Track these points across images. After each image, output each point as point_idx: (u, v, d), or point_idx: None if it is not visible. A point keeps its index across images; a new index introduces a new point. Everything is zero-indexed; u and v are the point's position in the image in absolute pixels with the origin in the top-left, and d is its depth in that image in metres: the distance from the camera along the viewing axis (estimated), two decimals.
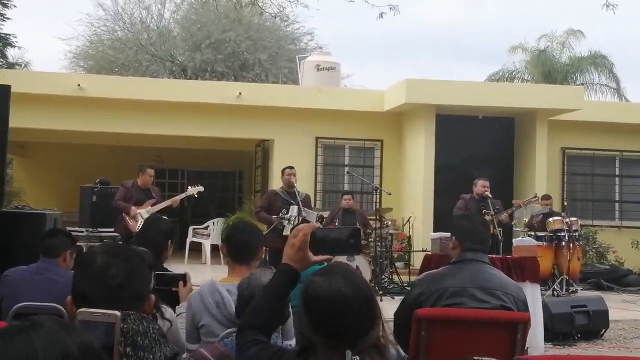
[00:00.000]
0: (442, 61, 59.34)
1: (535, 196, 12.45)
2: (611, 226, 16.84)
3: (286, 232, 10.07)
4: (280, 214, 10.71)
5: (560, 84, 25.20)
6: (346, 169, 16.51)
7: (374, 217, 12.64)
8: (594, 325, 9.46)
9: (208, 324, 3.83)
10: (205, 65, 25.81)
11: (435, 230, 12.51)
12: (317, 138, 16.65)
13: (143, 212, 10.70)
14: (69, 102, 15.78)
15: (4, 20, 27.49)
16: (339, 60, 19.10)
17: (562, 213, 13.19)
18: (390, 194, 13.71)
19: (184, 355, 2.82)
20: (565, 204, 15.08)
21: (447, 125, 15.74)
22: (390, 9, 11.14)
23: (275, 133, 16.63)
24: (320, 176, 16.76)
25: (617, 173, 17.53)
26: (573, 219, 12.73)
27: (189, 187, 11.80)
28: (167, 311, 3.83)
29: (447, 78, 19.95)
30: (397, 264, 13.70)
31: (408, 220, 14.38)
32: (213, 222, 17.22)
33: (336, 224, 12.07)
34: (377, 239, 12.34)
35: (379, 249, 12.36)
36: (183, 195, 11.86)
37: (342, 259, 10.91)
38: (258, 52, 26.34)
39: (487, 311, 4.44)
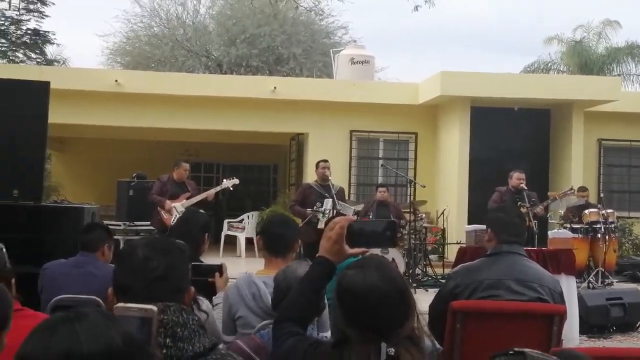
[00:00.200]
0: (476, 53, 58.98)
1: (571, 188, 12.37)
2: None
3: (320, 225, 10.08)
4: (315, 207, 10.74)
5: (597, 75, 24.96)
6: (380, 161, 16.49)
7: (408, 210, 12.63)
8: (629, 317, 9.39)
9: (245, 315, 3.87)
10: (240, 60, 25.90)
11: (469, 223, 12.46)
12: (351, 131, 16.64)
13: (178, 206, 10.80)
14: (107, 98, 15.93)
15: (43, 18, 27.87)
16: (373, 53, 19.06)
17: (598, 205, 13.08)
18: (424, 186, 13.68)
19: (222, 346, 2.86)
20: (602, 195, 14.94)
21: (482, 118, 15.64)
22: (426, 1, 11.15)
23: (309, 127, 16.66)
24: (354, 169, 16.75)
25: None
26: (609, 210, 12.61)
27: (224, 180, 11.88)
28: (204, 303, 3.88)
29: (482, 70, 19.86)
30: (431, 257, 13.69)
31: (442, 212, 14.34)
32: (248, 216, 17.28)
33: (370, 216, 12.08)
34: (411, 231, 12.34)
35: (413, 241, 12.35)
36: (218, 188, 11.94)
37: (377, 251, 10.95)
38: (293, 46, 26.36)
39: (523, 303, 4.44)
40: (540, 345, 4.25)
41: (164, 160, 16.12)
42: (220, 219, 17.91)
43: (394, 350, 2.23)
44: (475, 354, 4.23)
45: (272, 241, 4.16)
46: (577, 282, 9.48)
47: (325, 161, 11.41)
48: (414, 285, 11.58)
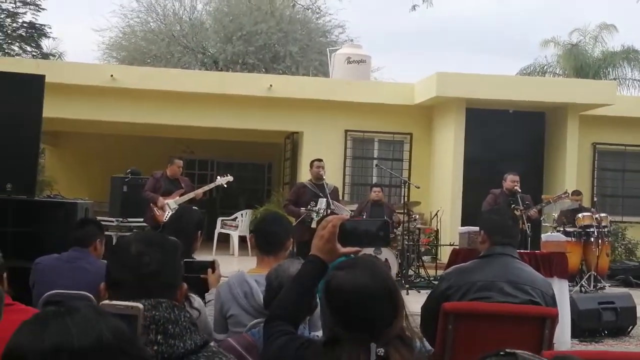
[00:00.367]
0: (472, 55, 59.05)
1: (565, 192, 12.38)
2: None
3: (314, 224, 10.10)
4: (309, 206, 10.74)
5: (592, 79, 25.00)
6: (375, 162, 16.50)
7: (402, 211, 12.64)
8: (621, 322, 9.41)
9: (236, 314, 3.86)
10: (237, 57, 25.89)
11: (463, 225, 12.47)
12: (346, 131, 16.65)
13: (171, 203, 10.80)
14: (102, 93, 15.91)
15: (39, 11, 27.81)
16: (370, 53, 19.07)
17: (592, 209, 13.11)
18: (418, 187, 13.69)
19: (213, 344, 2.85)
20: (595, 199, 14.97)
21: (477, 119, 15.66)
22: (424, 1, 11.15)
23: (304, 125, 16.66)
24: (349, 169, 16.76)
25: None
26: (602, 214, 12.65)
27: (218, 177, 11.87)
28: (196, 300, 3.87)
29: (478, 72, 19.85)
30: (424, 258, 13.69)
31: (436, 214, 14.35)
32: (241, 214, 17.28)
33: (364, 216, 12.09)
34: (405, 232, 12.34)
35: (407, 242, 12.35)
36: (212, 185, 11.93)
37: (370, 251, 10.96)
38: (289, 44, 26.37)
39: (515, 305, 4.44)
40: (532, 348, 4.25)
41: (158, 156, 16.11)
42: (213, 216, 17.91)
43: (383, 350, 2.23)
44: (467, 355, 4.22)
45: (265, 239, 4.15)
46: (569, 286, 9.49)
47: (320, 160, 11.42)
48: (407, 286, 11.59)
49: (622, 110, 16.15)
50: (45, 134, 19.20)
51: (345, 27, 28.81)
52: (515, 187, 11.53)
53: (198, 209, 5.92)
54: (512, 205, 11.09)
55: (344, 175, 16.55)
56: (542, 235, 10.04)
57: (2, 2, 26.87)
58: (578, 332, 8.84)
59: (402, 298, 2.40)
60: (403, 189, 13.48)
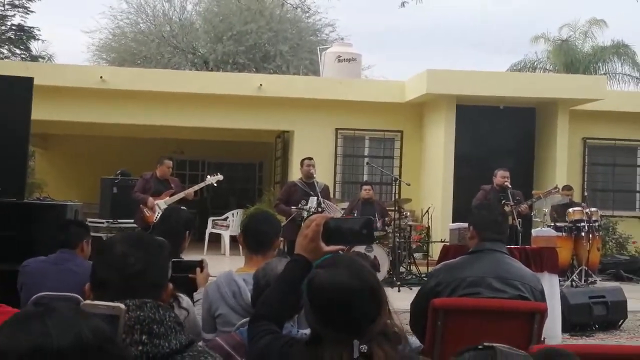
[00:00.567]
0: (463, 52, 59.11)
1: (556, 187, 12.40)
2: (632, 217, 16.74)
3: None
4: (300, 205, 10.75)
5: (583, 74, 25.07)
6: (366, 159, 16.50)
7: (393, 208, 12.66)
8: (612, 316, 9.43)
9: (225, 313, 3.86)
10: (227, 57, 25.88)
11: (454, 221, 12.50)
12: (337, 129, 16.65)
13: (161, 203, 10.78)
14: (91, 95, 15.87)
15: (28, 14, 27.77)
16: (360, 51, 19.08)
17: (582, 203, 13.14)
18: (409, 184, 13.71)
19: (201, 344, 2.85)
20: (586, 194, 15.00)
21: (467, 116, 15.68)
22: None
23: (295, 124, 16.65)
24: (339, 167, 16.76)
25: (638, 163, 17.40)
26: (593, 209, 12.69)
27: (208, 176, 11.85)
28: (184, 300, 3.87)
29: (469, 69, 19.91)
30: (416, 255, 13.71)
31: (427, 211, 14.36)
32: (232, 214, 17.26)
33: (355, 214, 12.10)
34: (396, 229, 12.36)
35: (398, 239, 12.37)
36: (202, 185, 11.91)
37: (361, 249, 10.98)
38: (279, 43, 26.36)
39: (504, 301, 4.44)
40: (521, 343, 4.26)
41: (149, 157, 16.08)
42: (205, 216, 17.90)
43: (366, 347, 2.22)
44: (457, 351, 4.23)
45: (253, 238, 4.15)
46: (560, 281, 9.50)
47: (310, 159, 11.43)
48: (398, 283, 11.60)
49: (613, 105, 16.18)
50: (34, 137, 19.20)
51: (336, 25, 28.85)
52: (506, 183, 11.55)
53: (187, 209, 5.91)
54: (503, 201, 11.10)
55: (335, 173, 16.55)
56: (532, 231, 10.02)
57: None
58: (569, 327, 8.85)
59: (386, 295, 2.39)
60: (394, 187, 13.50)
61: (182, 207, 6.03)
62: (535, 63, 29.41)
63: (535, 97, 15.66)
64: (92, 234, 5.95)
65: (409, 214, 13.62)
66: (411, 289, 10.97)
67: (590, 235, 12.15)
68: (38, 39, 28.45)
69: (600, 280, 12.58)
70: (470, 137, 15.59)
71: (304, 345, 2.37)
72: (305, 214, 10.52)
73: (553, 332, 7.65)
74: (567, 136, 15.88)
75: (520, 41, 63.39)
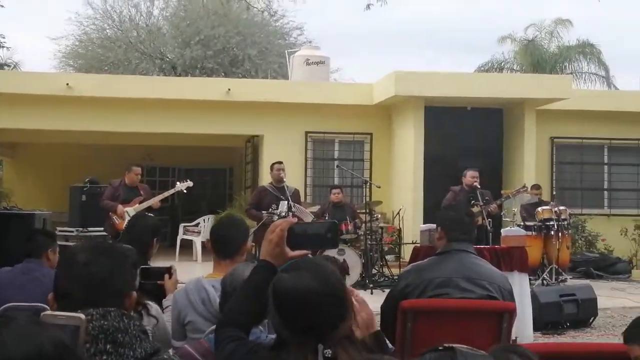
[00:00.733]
0: (431, 53, 59.34)
1: (524, 186, 12.47)
2: (600, 214, 16.89)
3: None
4: (270, 209, 10.74)
5: (550, 74, 25.26)
6: (336, 162, 16.49)
7: (364, 211, 12.67)
8: (582, 314, 9.51)
9: (194, 320, 3.84)
10: (195, 62, 25.78)
11: (425, 223, 12.52)
12: (306, 132, 16.64)
13: (130, 210, 10.69)
14: (58, 102, 15.70)
15: None
16: (328, 54, 19.08)
17: (551, 202, 13.23)
18: (379, 187, 13.73)
19: (171, 351, 2.83)
20: (554, 193, 15.11)
21: (436, 117, 15.72)
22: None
23: (265, 128, 16.62)
24: (310, 170, 16.74)
25: (605, 161, 17.55)
26: (562, 207, 12.77)
27: (177, 182, 11.80)
28: (153, 308, 3.85)
29: (437, 70, 19.96)
30: (388, 257, 13.73)
31: (398, 213, 14.40)
32: (204, 219, 17.19)
33: (326, 218, 12.09)
34: (367, 232, 12.37)
35: (369, 242, 12.38)
36: (172, 191, 11.86)
37: (333, 252, 10.97)
38: (248, 47, 26.32)
39: (472, 301, 4.47)
40: (490, 343, 4.27)
41: (118, 165, 15.97)
42: (176, 223, 17.80)
43: (330, 352, 2.21)
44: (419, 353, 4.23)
45: (220, 243, 4.14)
46: (531, 280, 9.57)
47: (280, 163, 11.44)
48: (371, 286, 11.62)
49: (579, 104, 16.31)
50: (1, 146, 19.04)
51: (304, 28, 28.84)
52: (475, 183, 11.60)
53: (158, 215, 5.89)
54: (472, 201, 11.15)
55: (306, 176, 16.53)
56: (502, 230, 10.09)
57: None
58: (540, 325, 8.92)
59: (351, 298, 2.38)
60: (364, 189, 13.49)
61: (148, 214, 6.01)
62: (503, 63, 29.60)
63: (502, 97, 15.74)
64: (62, 242, 5.92)
65: (380, 216, 13.65)
66: (384, 291, 10.98)
67: (560, 234, 12.25)
68: (3, 47, 28.16)
69: (570, 279, 12.69)
70: (439, 138, 15.63)
71: (268, 350, 2.36)
72: (276, 218, 10.50)
73: (524, 331, 7.70)
74: (534, 136, 15.97)
75: (489, 42, 63.75)
